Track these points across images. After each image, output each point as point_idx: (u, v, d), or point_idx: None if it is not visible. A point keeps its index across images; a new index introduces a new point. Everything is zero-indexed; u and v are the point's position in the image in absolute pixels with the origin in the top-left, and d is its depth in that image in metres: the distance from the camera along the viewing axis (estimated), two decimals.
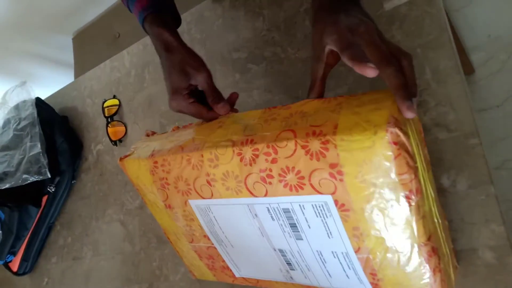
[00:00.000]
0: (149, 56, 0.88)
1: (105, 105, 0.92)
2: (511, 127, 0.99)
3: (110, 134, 0.89)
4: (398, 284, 0.42)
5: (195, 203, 0.51)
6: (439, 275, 0.40)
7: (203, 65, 0.54)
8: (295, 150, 0.39)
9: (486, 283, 0.44)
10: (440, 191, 0.49)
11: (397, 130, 0.34)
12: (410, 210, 0.36)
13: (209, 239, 0.54)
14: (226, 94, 0.73)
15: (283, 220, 0.44)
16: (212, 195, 0.48)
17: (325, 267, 0.45)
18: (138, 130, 0.87)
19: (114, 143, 0.89)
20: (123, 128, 0.89)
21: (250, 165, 0.42)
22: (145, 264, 0.78)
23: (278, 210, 0.44)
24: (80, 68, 1.44)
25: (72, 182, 0.96)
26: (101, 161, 0.93)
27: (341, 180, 0.38)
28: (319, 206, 0.40)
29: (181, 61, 0.52)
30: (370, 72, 0.37)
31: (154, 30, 0.55)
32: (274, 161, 0.41)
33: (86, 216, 0.93)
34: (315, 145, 0.38)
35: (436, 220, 0.41)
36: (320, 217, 0.41)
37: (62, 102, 1.07)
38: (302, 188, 0.40)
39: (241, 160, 0.43)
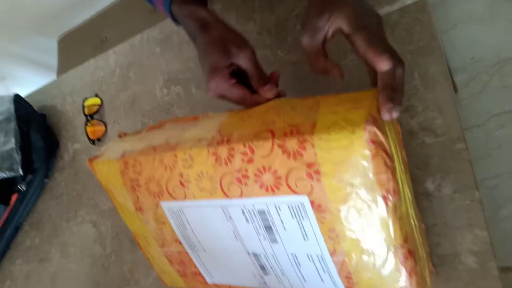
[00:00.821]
0: (136, 55, 0.87)
1: (85, 103, 0.90)
2: (491, 147, 1.01)
3: (88, 133, 0.86)
4: (374, 287, 0.40)
5: (167, 205, 0.48)
6: (415, 278, 0.39)
7: (246, 41, 0.47)
8: (272, 150, 0.38)
9: None
10: (425, 195, 0.48)
11: (375, 129, 0.33)
12: (387, 211, 0.36)
13: (180, 243, 0.51)
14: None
15: (258, 222, 0.42)
16: (185, 196, 0.45)
17: (299, 271, 0.44)
18: (119, 129, 0.84)
19: (93, 142, 0.86)
20: (103, 127, 0.86)
21: (226, 165, 0.41)
22: (116, 268, 0.74)
23: (253, 211, 0.42)
24: (64, 71, 1.41)
25: (45, 180, 0.92)
26: (77, 160, 0.90)
27: (318, 180, 0.37)
28: (295, 207, 0.39)
29: (220, 38, 0.46)
30: (384, 64, 0.36)
31: (185, 10, 0.49)
32: (250, 161, 0.39)
33: (56, 216, 0.89)
34: (292, 144, 0.36)
35: (412, 222, 0.40)
36: (296, 218, 0.40)
37: (41, 100, 1.04)
38: (278, 189, 0.39)
39: (216, 160, 0.41)
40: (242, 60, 0.45)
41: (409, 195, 0.40)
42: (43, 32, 1.51)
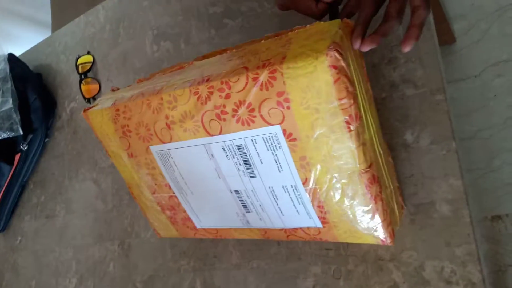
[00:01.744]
0: (125, 10, 0.85)
1: (78, 62, 0.90)
2: (487, 97, 1.00)
3: (83, 92, 0.87)
4: (344, 214, 0.43)
5: (155, 149, 0.51)
6: (381, 204, 0.42)
7: None
8: (246, 83, 0.40)
9: (441, 235, 0.46)
10: (404, 147, 0.49)
11: (336, 54, 0.35)
12: (350, 136, 0.38)
13: (170, 188, 0.54)
14: (201, 50, 0.72)
15: (237, 158, 0.45)
16: (171, 138, 0.48)
17: (277, 204, 0.47)
18: (112, 87, 0.85)
19: (88, 100, 0.87)
20: (97, 85, 0.87)
21: (206, 103, 0.43)
22: (117, 222, 0.78)
23: (232, 147, 0.45)
24: (59, 27, 1.39)
25: (45, 140, 0.95)
26: (74, 119, 0.91)
27: (288, 107, 0.39)
28: (269, 138, 0.42)
29: None
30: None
31: None
32: (227, 96, 0.42)
33: (59, 175, 0.92)
34: (264, 75, 0.39)
35: (378, 152, 0.43)
36: (271, 150, 0.43)
37: (36, 59, 1.04)
38: (253, 122, 0.42)
39: (197, 99, 0.44)
40: None
41: (374, 125, 0.42)
42: None
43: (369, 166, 0.40)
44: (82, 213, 0.85)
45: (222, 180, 0.48)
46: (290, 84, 0.38)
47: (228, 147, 0.45)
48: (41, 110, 0.93)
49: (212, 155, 0.47)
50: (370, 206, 0.42)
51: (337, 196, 0.42)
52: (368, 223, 0.43)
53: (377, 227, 0.43)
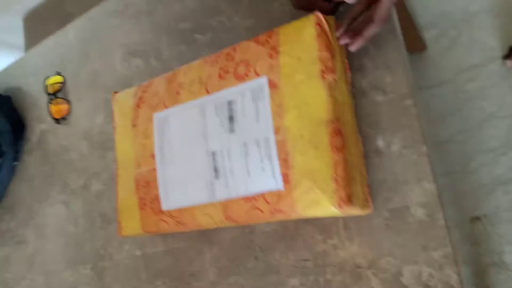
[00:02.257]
0: (94, 29, 0.84)
1: (47, 82, 0.88)
2: (461, 102, 1.02)
3: (53, 112, 0.85)
4: (306, 168, 0.45)
5: (158, 116, 0.59)
6: (342, 158, 0.43)
7: None
8: (249, 45, 0.52)
9: (417, 239, 0.45)
10: (376, 153, 0.49)
11: (322, 18, 0.47)
12: (323, 85, 0.45)
13: (154, 158, 0.59)
14: (172, 66, 0.71)
15: (224, 115, 0.52)
16: (175, 101, 0.57)
17: (246, 162, 0.49)
18: (83, 107, 0.83)
19: (57, 121, 0.85)
20: (67, 105, 0.85)
21: (213, 65, 0.54)
22: (90, 245, 0.75)
23: (223, 104, 0.52)
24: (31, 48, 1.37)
25: (14, 164, 0.91)
26: (44, 141, 0.89)
27: (276, 58, 0.48)
28: (256, 90, 0.49)
29: None
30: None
31: None
32: (232, 58, 0.53)
33: (29, 199, 0.88)
34: (263, 37, 0.51)
35: (348, 121, 0.47)
36: (255, 101, 0.49)
37: (6, 82, 1.01)
38: (247, 76, 0.50)
39: (209, 64, 0.55)
40: None
41: (347, 100, 0.48)
42: (7, 11, 1.46)
43: (337, 119, 0.45)
44: (54, 238, 0.81)
45: (204, 141, 0.54)
46: (284, 39, 0.48)
47: (221, 103, 0.52)
48: (10, 133, 0.90)
49: (204, 114, 0.54)
50: (331, 158, 0.43)
51: (303, 145, 0.45)
52: (327, 180, 0.43)
53: (336, 187, 0.43)
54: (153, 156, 0.59)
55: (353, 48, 0.47)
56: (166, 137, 0.58)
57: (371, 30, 0.45)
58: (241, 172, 0.50)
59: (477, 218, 0.96)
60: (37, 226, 0.85)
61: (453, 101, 1.03)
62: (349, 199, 0.43)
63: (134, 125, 0.62)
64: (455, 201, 0.98)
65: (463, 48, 1.04)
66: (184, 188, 0.55)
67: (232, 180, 0.51)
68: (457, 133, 1.00)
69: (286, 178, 0.46)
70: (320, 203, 0.44)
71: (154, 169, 0.58)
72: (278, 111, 0.47)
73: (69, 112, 0.85)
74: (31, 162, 0.90)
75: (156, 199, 0.58)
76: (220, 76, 0.53)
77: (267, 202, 0.48)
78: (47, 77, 0.88)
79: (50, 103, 0.86)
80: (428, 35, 1.09)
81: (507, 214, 0.93)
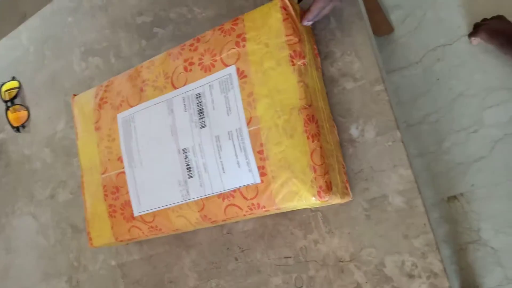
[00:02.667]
0: (48, 29, 0.79)
1: (3, 88, 0.82)
2: (430, 82, 1.02)
3: (11, 120, 0.80)
4: (282, 158, 0.44)
5: (122, 116, 0.56)
6: (318, 145, 0.42)
7: None
8: (213, 34, 0.50)
9: (398, 228, 0.44)
10: (350, 142, 0.47)
11: (287, 1, 0.45)
12: (293, 70, 0.44)
13: (122, 162, 0.56)
14: (133, 63, 0.68)
15: (193, 109, 0.50)
16: (140, 100, 0.54)
17: (220, 157, 0.48)
18: (42, 112, 0.78)
19: (17, 129, 0.80)
20: (26, 112, 0.80)
21: (177, 58, 0.52)
22: (62, 257, 0.71)
23: (191, 97, 0.50)
24: None
25: None
26: (5, 151, 0.83)
27: (244, 46, 0.47)
28: (225, 81, 0.48)
29: None
30: None
31: None
32: (196, 48, 0.50)
33: None
34: (228, 24, 0.49)
35: (320, 106, 0.46)
36: (224, 92, 0.48)
37: None
38: (214, 66, 0.48)
39: (171, 57, 0.52)
40: None
41: (318, 86, 0.47)
42: None
43: (309, 105, 0.43)
44: (24, 252, 0.77)
45: (174, 138, 0.51)
46: (249, 26, 0.47)
47: (188, 97, 0.50)
48: None
49: (172, 110, 0.51)
50: (307, 146, 0.42)
51: (278, 134, 0.44)
52: (305, 169, 0.42)
53: (314, 176, 0.42)
54: (120, 159, 0.56)
55: (304, 21, 0.46)
56: (133, 138, 0.55)
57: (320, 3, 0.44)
58: (215, 168, 0.48)
59: (454, 197, 0.97)
60: (5, 240, 0.81)
61: (422, 82, 1.03)
62: (329, 188, 0.42)
63: (97, 128, 0.59)
64: (431, 182, 0.99)
65: (430, 28, 1.04)
66: (156, 190, 0.53)
67: (206, 177, 0.49)
68: (428, 114, 1.01)
69: (262, 171, 0.45)
70: (299, 193, 0.43)
71: (123, 173, 0.56)
72: (249, 100, 0.46)
73: (28, 118, 0.80)
74: None
75: (127, 204, 0.55)
76: (185, 69, 0.51)
77: (245, 198, 0.46)
78: (2, 83, 0.83)
79: (8, 110, 0.81)
80: (394, 16, 1.09)
81: (482, 191, 0.94)
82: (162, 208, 0.52)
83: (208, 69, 0.49)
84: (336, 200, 0.43)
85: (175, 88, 0.51)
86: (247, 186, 0.46)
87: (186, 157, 0.50)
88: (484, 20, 0.97)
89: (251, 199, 0.46)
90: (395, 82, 1.04)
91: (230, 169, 0.47)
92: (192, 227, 0.52)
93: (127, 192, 0.55)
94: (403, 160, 0.44)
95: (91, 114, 0.60)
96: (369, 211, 0.46)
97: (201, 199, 0.49)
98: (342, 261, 0.47)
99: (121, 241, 0.57)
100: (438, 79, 1.01)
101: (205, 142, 0.49)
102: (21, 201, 0.79)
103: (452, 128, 0.98)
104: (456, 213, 0.96)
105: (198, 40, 0.51)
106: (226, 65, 0.48)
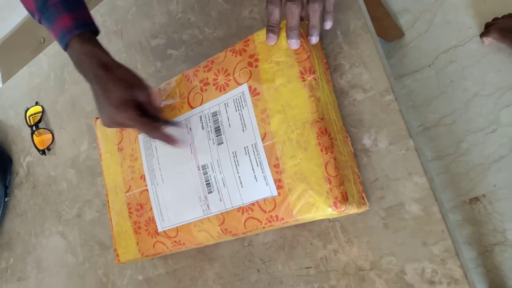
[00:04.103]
0: (67, 55, 0.83)
1: (28, 113, 0.86)
2: (444, 84, 1.02)
3: (36, 144, 0.84)
4: (297, 171, 0.45)
5: (143, 136, 0.59)
6: (332, 157, 0.44)
7: (144, 81, 0.53)
8: (225, 56, 0.52)
9: (416, 235, 0.44)
10: (364, 152, 0.48)
11: None
12: (304, 86, 0.46)
13: (144, 180, 0.58)
14: (149, 84, 0.70)
15: (210, 126, 0.52)
16: None
17: (237, 172, 0.49)
18: (66, 135, 0.81)
19: (43, 152, 0.83)
20: (50, 135, 0.83)
21: (193, 79, 0.54)
22: (91, 274, 0.74)
23: (208, 116, 0.52)
24: (7, 79, 1.35)
25: (6, 199, 0.90)
26: (32, 174, 0.87)
27: (256, 66, 0.49)
28: (238, 99, 0.50)
29: (123, 77, 0.51)
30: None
31: (86, 48, 0.52)
32: (209, 69, 0.53)
33: (25, 234, 0.87)
34: (239, 45, 0.51)
35: (333, 119, 0.47)
36: (238, 110, 0.50)
37: None
38: (228, 85, 0.51)
39: (187, 79, 0.55)
40: (142, 96, 0.51)
41: (330, 100, 0.48)
42: None
43: (321, 119, 0.45)
44: (54, 270, 0.80)
45: (193, 156, 0.53)
46: (261, 47, 0.49)
47: (205, 116, 0.52)
48: None
49: (190, 128, 0.54)
50: (321, 158, 0.44)
51: (292, 147, 0.45)
52: (320, 180, 0.43)
53: (330, 188, 0.43)
54: (143, 177, 0.58)
55: (312, 40, 0.47)
56: (154, 157, 0.57)
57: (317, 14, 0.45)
58: (233, 183, 0.50)
59: (476, 199, 0.96)
60: (36, 260, 0.84)
61: (436, 84, 1.02)
62: (345, 198, 0.43)
63: (120, 149, 0.61)
64: (451, 184, 0.98)
65: (440, 30, 1.04)
66: (178, 206, 0.55)
67: (225, 192, 0.50)
68: (444, 116, 1.00)
69: (279, 184, 0.46)
70: (316, 205, 0.44)
71: (146, 190, 0.58)
72: (262, 117, 0.48)
73: (52, 141, 0.83)
74: (21, 196, 0.89)
75: (151, 221, 0.58)
76: (201, 89, 0.53)
77: (263, 211, 0.47)
78: (27, 109, 0.87)
79: (33, 134, 0.84)
80: (403, 21, 1.09)
81: (504, 191, 0.93)
82: (185, 223, 0.54)
83: (222, 89, 0.51)
84: (353, 210, 0.44)
85: (192, 107, 0.54)
86: (265, 199, 0.47)
87: (205, 173, 0.52)
88: (495, 19, 0.97)
89: (269, 211, 0.47)
90: (408, 86, 1.04)
91: (248, 183, 0.49)
92: (213, 240, 0.53)
93: (151, 209, 0.57)
94: (417, 168, 0.45)
95: (114, 136, 0.62)
96: (386, 219, 0.46)
97: (221, 213, 0.51)
98: (362, 270, 0.47)
99: (147, 256, 0.59)
100: (452, 81, 1.00)
101: (223, 158, 0.51)
102: (49, 221, 0.82)
103: (469, 129, 0.97)
104: (479, 215, 0.95)
105: (212, 62, 0.53)
106: (239, 84, 0.50)
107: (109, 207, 0.63)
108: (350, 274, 0.48)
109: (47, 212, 0.83)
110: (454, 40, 1.02)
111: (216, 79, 0.52)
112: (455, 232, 0.50)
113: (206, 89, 0.53)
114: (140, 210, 0.59)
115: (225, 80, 0.51)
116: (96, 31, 0.55)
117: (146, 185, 0.58)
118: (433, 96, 1.02)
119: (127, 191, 0.60)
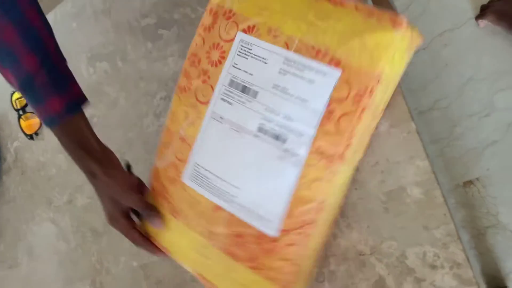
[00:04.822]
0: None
1: (13, 97, 0.83)
2: (439, 68, 1.01)
3: (24, 128, 0.81)
4: None
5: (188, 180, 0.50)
6: None
7: (132, 184, 0.52)
8: (199, 38, 0.49)
9: (417, 219, 0.44)
10: None
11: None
12: None
13: (219, 208, 0.47)
14: (141, 66, 0.68)
15: (237, 93, 0.46)
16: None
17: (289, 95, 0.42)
18: None
19: (30, 137, 0.81)
20: (38, 119, 0.81)
21: (188, 89, 0.49)
22: (84, 260, 0.72)
23: (227, 85, 0.46)
24: None
25: None
26: (20, 159, 0.85)
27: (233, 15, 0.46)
28: (241, 48, 0.45)
29: (108, 189, 0.50)
30: None
31: (71, 149, 0.50)
32: (194, 62, 0.49)
33: (15, 220, 0.85)
34: (207, 20, 0.48)
35: None
36: (247, 56, 0.45)
37: None
38: (223, 56, 0.46)
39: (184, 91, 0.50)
40: (132, 203, 0.50)
41: None
42: None
43: None
44: (46, 257, 0.79)
45: (238, 133, 0.44)
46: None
47: (224, 91, 0.46)
48: None
49: (221, 117, 0.46)
50: None
51: None
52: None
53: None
54: (216, 208, 0.47)
55: None
56: (211, 179, 0.47)
57: None
58: (294, 107, 0.43)
59: (470, 182, 0.96)
60: (27, 247, 0.82)
61: (431, 68, 1.02)
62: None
63: (176, 216, 0.51)
64: (445, 168, 0.99)
65: (435, 13, 1.03)
66: (267, 186, 0.45)
67: (295, 125, 0.42)
68: (439, 100, 1.00)
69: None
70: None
71: (226, 212, 0.46)
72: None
73: (40, 126, 0.81)
74: (10, 183, 0.86)
75: (261, 235, 0.45)
76: (203, 82, 0.48)
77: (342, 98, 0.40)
78: (13, 92, 0.84)
79: (20, 119, 0.82)
80: (398, 3, 1.08)
81: (498, 175, 0.93)
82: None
83: (220, 61, 0.46)
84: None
85: (204, 102, 0.47)
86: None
87: (265, 132, 0.43)
88: (491, 2, 0.96)
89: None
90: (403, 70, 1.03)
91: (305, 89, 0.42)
92: None
93: (249, 226, 0.46)
94: (419, 151, 0.44)
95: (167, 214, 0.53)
96: (387, 203, 0.46)
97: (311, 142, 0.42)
98: (362, 255, 0.47)
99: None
100: (446, 65, 1.00)
101: (267, 103, 0.43)
102: (40, 208, 0.80)
103: (463, 113, 0.97)
104: (473, 198, 0.96)
105: (192, 55, 0.49)
106: (231, 40, 0.46)
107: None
108: (350, 259, 0.48)
109: (37, 198, 0.81)
110: (449, 23, 1.01)
111: (209, 58, 0.47)
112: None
113: (206, 79, 0.47)
114: (241, 238, 0.46)
115: (218, 52, 0.46)
116: (85, 102, 0.52)
117: (223, 206, 0.46)
118: (428, 80, 1.01)
119: (210, 240, 0.48)
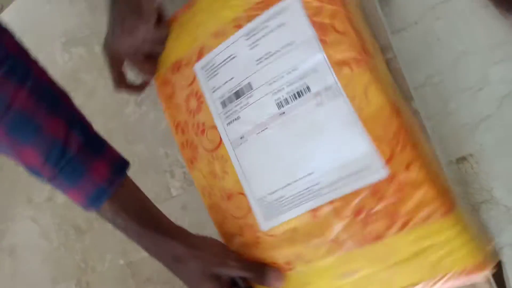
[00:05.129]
0: (25, 19, 0.75)
1: None
2: (431, 42, 0.97)
3: None
4: None
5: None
6: None
7: (226, 253, 0.42)
8: None
9: None
10: None
11: None
12: None
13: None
14: None
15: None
16: None
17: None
18: None
19: None
20: None
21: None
22: (68, 260, 0.69)
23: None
24: None
25: None
26: None
27: None
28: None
29: (203, 270, 0.40)
30: None
31: (137, 226, 0.39)
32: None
33: None
34: None
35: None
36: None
37: None
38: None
39: None
40: (237, 271, 0.41)
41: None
42: None
43: None
44: (29, 257, 0.75)
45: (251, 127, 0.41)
46: None
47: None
48: None
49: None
50: None
51: None
52: None
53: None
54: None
55: None
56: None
57: None
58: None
59: (463, 158, 0.94)
60: (9, 246, 0.79)
61: (422, 42, 0.98)
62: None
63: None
64: (439, 144, 0.96)
65: None
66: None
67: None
68: (431, 76, 0.97)
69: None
70: None
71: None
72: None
73: None
74: None
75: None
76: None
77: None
78: None
79: None
80: None
81: (491, 150, 0.92)
82: None
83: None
84: None
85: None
86: None
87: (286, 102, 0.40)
88: None
89: None
90: (395, 45, 1.00)
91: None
92: None
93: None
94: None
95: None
96: None
97: None
98: None
99: None
100: (438, 39, 0.96)
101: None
102: (20, 206, 0.76)
103: (457, 88, 0.94)
104: (466, 174, 0.94)
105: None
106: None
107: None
108: None
109: (16, 196, 0.77)
110: None
111: (191, 111, 0.44)
112: None
113: (203, 128, 0.43)
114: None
115: (193, 98, 0.43)
116: (128, 164, 0.42)
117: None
118: (420, 55, 0.98)
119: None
